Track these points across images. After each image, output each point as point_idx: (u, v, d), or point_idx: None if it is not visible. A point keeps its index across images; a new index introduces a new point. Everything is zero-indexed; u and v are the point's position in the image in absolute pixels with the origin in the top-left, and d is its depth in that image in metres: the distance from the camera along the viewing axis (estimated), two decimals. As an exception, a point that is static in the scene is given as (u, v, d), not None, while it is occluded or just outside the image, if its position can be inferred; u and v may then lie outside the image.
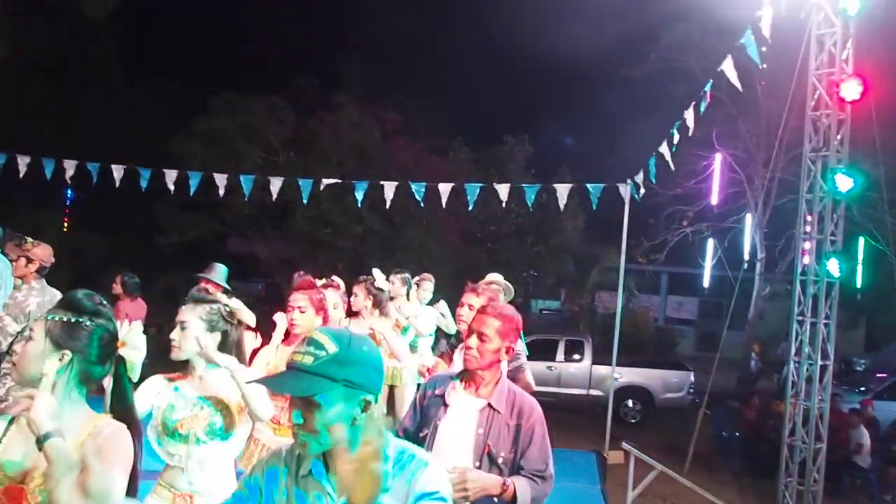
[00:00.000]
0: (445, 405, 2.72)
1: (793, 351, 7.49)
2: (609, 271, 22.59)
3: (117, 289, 6.95)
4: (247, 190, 10.06)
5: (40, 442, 1.68)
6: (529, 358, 4.28)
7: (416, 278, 6.62)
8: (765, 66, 7.58)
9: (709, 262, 18.88)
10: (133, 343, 2.03)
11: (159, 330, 6.64)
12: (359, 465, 1.54)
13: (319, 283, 4.15)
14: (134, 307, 6.80)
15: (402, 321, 5.81)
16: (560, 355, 12.56)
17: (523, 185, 10.52)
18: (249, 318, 2.83)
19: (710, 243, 18.29)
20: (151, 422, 2.69)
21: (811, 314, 7.32)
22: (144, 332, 2.11)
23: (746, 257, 15.12)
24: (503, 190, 9.71)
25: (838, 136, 7.20)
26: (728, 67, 7.36)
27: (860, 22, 7.19)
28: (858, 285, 17.48)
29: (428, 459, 1.67)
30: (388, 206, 10.35)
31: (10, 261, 4.89)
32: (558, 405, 10.60)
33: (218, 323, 2.76)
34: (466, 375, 2.77)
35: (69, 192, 21.78)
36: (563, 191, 9.53)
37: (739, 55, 7.33)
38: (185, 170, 10.13)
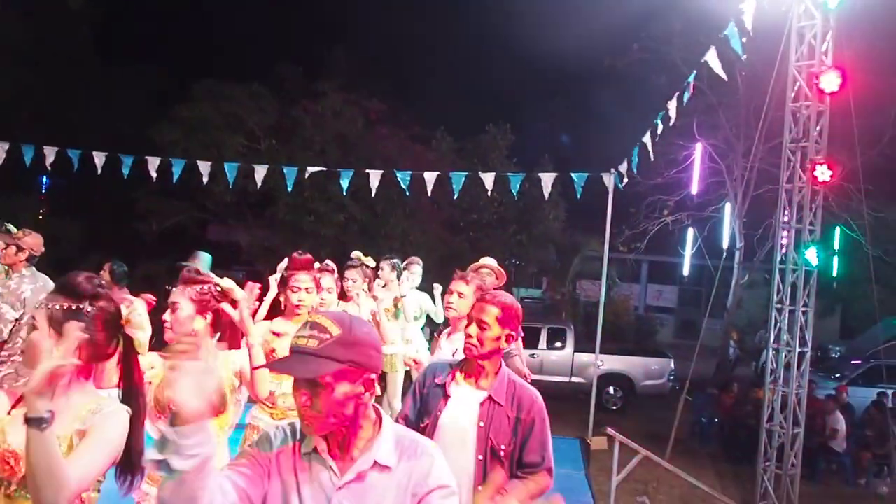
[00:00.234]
0: (446, 396, 2.72)
1: (772, 338, 7.64)
2: (590, 260, 22.80)
3: (105, 276, 6.89)
4: (231, 178, 10.02)
5: (27, 422, 1.66)
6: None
7: (405, 262, 6.65)
8: (744, 57, 7.65)
9: (689, 251, 19.01)
10: (137, 322, 2.04)
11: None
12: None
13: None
14: (121, 296, 6.75)
15: (390, 306, 5.86)
16: (542, 343, 12.63)
17: (508, 174, 10.58)
18: (242, 297, 2.84)
19: (690, 232, 18.43)
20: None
21: (790, 302, 7.47)
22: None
23: (725, 246, 15.25)
24: (488, 179, 9.77)
25: (817, 127, 7.33)
26: (712, 59, 7.44)
27: (840, 15, 7.30)
28: (834, 274, 17.80)
29: (434, 452, 1.71)
30: (373, 195, 10.36)
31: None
32: (541, 393, 10.65)
33: (209, 303, 2.78)
34: (467, 365, 2.77)
35: (44, 178, 21.48)
36: (547, 180, 9.61)
37: (723, 47, 7.40)
38: (167, 157, 10.06)
